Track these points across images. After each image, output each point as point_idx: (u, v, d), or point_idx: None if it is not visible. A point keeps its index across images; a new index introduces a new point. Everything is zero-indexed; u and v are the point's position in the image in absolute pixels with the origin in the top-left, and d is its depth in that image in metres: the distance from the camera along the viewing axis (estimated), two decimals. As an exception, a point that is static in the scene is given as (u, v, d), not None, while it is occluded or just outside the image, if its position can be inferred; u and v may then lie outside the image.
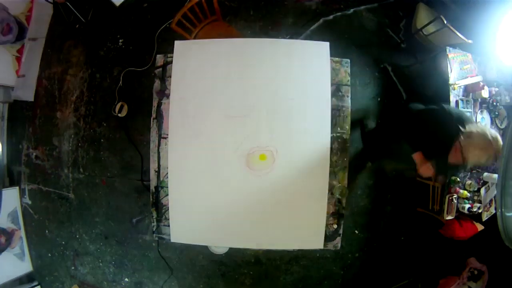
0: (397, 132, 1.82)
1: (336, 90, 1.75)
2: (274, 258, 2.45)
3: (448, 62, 2.00)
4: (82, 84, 2.59)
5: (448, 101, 1.98)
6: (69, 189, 2.57)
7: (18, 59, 2.56)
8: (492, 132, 1.38)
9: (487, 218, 2.11)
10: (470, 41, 2.05)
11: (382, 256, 2.55)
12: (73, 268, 2.60)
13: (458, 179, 1.97)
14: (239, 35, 2.18)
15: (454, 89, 1.99)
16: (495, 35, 1.92)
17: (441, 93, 2.14)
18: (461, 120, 1.45)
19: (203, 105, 1.70)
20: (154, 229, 1.80)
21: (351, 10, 2.55)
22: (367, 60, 2.51)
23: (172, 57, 1.76)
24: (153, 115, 1.77)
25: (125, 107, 2.47)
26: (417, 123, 1.62)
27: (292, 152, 1.68)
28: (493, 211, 2.09)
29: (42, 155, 2.63)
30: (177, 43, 1.75)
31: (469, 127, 1.39)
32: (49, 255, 2.63)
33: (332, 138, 1.71)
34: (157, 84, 1.79)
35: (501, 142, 1.36)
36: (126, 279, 2.55)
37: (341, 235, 1.77)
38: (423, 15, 2.32)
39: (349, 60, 1.77)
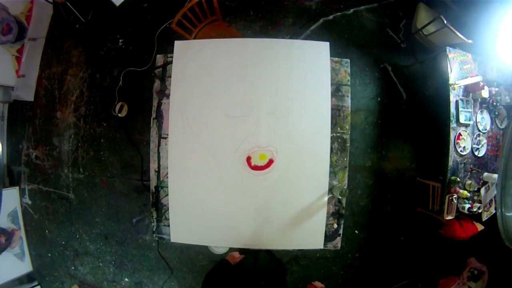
0: None
1: (336, 90, 1.75)
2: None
3: (448, 62, 2.00)
4: (82, 84, 2.59)
5: (448, 101, 1.98)
6: (69, 189, 2.57)
7: (18, 59, 2.56)
8: None
9: (487, 218, 2.11)
10: (470, 41, 2.05)
11: (382, 256, 2.55)
12: (73, 268, 2.60)
13: (458, 179, 1.96)
14: (239, 35, 2.18)
15: (454, 89, 1.98)
16: (495, 35, 1.92)
17: (441, 93, 2.14)
18: None
19: (203, 105, 1.71)
20: (154, 229, 1.80)
21: (351, 10, 2.55)
22: (367, 60, 2.51)
23: (172, 57, 1.76)
24: (153, 115, 1.77)
25: (125, 107, 2.47)
26: None
27: (292, 152, 1.68)
28: (493, 211, 2.09)
29: (42, 155, 2.63)
30: (177, 43, 1.75)
31: None
32: (49, 255, 2.63)
33: (332, 138, 1.71)
34: (157, 84, 1.79)
35: None
36: (126, 279, 2.55)
37: (341, 235, 1.77)
38: (423, 15, 2.31)
39: (349, 60, 1.76)
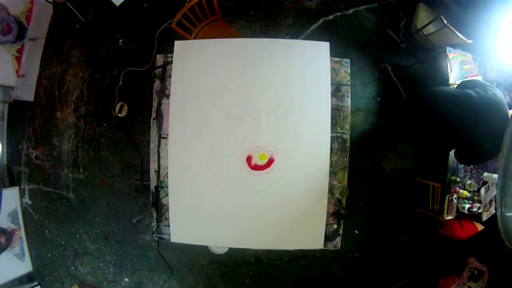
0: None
1: (336, 90, 1.75)
2: (274, 258, 2.45)
3: (448, 62, 2.00)
4: (82, 84, 2.59)
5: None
6: (69, 189, 2.57)
7: (18, 59, 2.56)
8: None
9: (487, 218, 2.11)
10: (470, 41, 2.05)
11: (382, 256, 2.55)
12: (73, 268, 2.60)
13: (458, 179, 1.96)
14: (239, 35, 2.18)
15: (454, 89, 1.98)
16: (495, 35, 1.92)
17: (441, 93, 2.14)
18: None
19: (203, 105, 1.71)
20: (154, 229, 1.80)
21: (351, 10, 2.55)
22: (367, 60, 2.51)
23: (172, 57, 1.76)
24: (153, 115, 1.78)
25: (125, 107, 2.47)
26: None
27: (292, 152, 1.68)
28: (493, 211, 2.09)
29: (42, 155, 2.63)
30: (177, 43, 1.75)
31: None
32: (49, 255, 2.63)
33: (332, 138, 1.71)
34: (157, 84, 1.79)
35: None
36: (126, 279, 2.55)
37: (341, 235, 1.77)
38: (423, 15, 2.31)
39: (349, 60, 1.77)
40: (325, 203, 1.69)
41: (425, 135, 1.64)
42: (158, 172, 1.77)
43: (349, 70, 1.77)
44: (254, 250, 2.40)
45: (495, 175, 1.99)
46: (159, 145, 1.77)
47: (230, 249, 2.34)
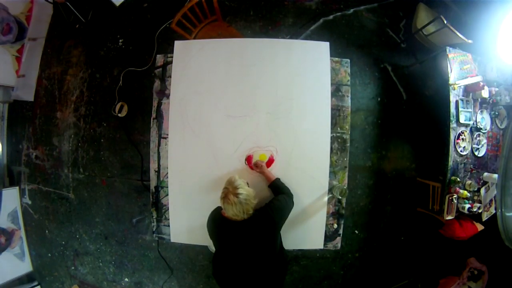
0: None
1: (336, 90, 1.75)
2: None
3: (448, 62, 2.00)
4: (82, 84, 2.59)
5: (448, 101, 1.98)
6: (69, 189, 2.57)
7: (18, 59, 2.56)
8: None
9: (487, 218, 2.11)
10: (470, 41, 2.05)
11: (382, 256, 2.54)
12: (73, 268, 2.60)
13: (458, 179, 1.96)
14: (239, 35, 2.18)
15: (454, 89, 1.98)
16: (495, 35, 1.92)
17: (441, 93, 2.14)
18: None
19: (203, 105, 1.71)
20: (154, 229, 1.80)
21: (351, 10, 2.55)
22: (367, 60, 2.51)
23: (172, 57, 1.77)
24: (153, 115, 1.78)
25: (125, 107, 2.47)
26: None
27: (292, 151, 1.68)
28: (493, 211, 2.09)
29: (42, 155, 2.63)
30: (177, 43, 1.75)
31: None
32: (49, 255, 2.63)
33: (332, 138, 1.72)
34: (157, 84, 1.79)
35: None
36: (126, 279, 2.55)
37: (341, 235, 1.78)
38: (423, 15, 2.31)
39: (349, 60, 1.77)
40: (325, 203, 1.69)
41: None
42: (158, 172, 1.77)
43: (349, 70, 1.77)
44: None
45: (495, 175, 1.99)
46: (159, 145, 1.77)
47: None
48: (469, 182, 2.01)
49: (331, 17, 2.54)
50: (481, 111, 2.07)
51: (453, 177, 1.96)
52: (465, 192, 1.96)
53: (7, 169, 2.68)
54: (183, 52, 1.75)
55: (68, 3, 2.45)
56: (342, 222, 1.77)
